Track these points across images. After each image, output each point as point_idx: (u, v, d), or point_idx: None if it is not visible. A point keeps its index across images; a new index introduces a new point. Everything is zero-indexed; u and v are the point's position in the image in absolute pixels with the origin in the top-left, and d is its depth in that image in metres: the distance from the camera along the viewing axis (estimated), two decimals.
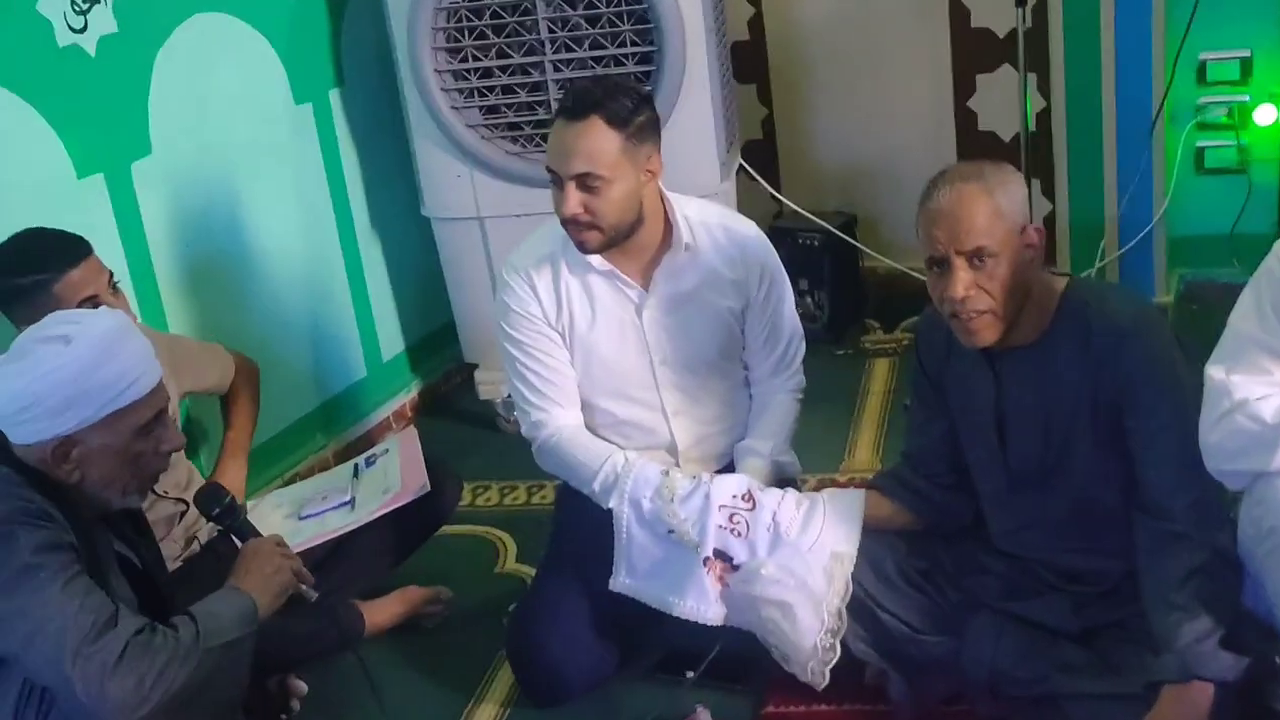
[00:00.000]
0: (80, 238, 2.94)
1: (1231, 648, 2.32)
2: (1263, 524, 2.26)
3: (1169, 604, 2.37)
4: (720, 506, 2.83)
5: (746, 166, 4.60)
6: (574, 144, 2.81)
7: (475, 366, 4.55)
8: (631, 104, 2.84)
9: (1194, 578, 2.36)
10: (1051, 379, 2.56)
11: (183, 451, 2.96)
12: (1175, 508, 2.43)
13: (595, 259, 2.97)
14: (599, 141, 2.80)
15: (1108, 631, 2.58)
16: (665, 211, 3.00)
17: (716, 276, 3.03)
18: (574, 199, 2.83)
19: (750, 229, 3.10)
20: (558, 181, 2.86)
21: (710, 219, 3.06)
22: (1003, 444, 2.67)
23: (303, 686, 3.07)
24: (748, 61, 5.04)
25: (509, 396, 4.35)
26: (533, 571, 3.58)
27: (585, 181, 2.82)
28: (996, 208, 2.45)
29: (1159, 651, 2.37)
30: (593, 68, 3.95)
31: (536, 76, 4.01)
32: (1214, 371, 2.32)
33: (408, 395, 4.76)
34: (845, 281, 4.86)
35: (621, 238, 2.92)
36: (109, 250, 3.29)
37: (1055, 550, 2.67)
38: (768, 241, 3.12)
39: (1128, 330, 2.46)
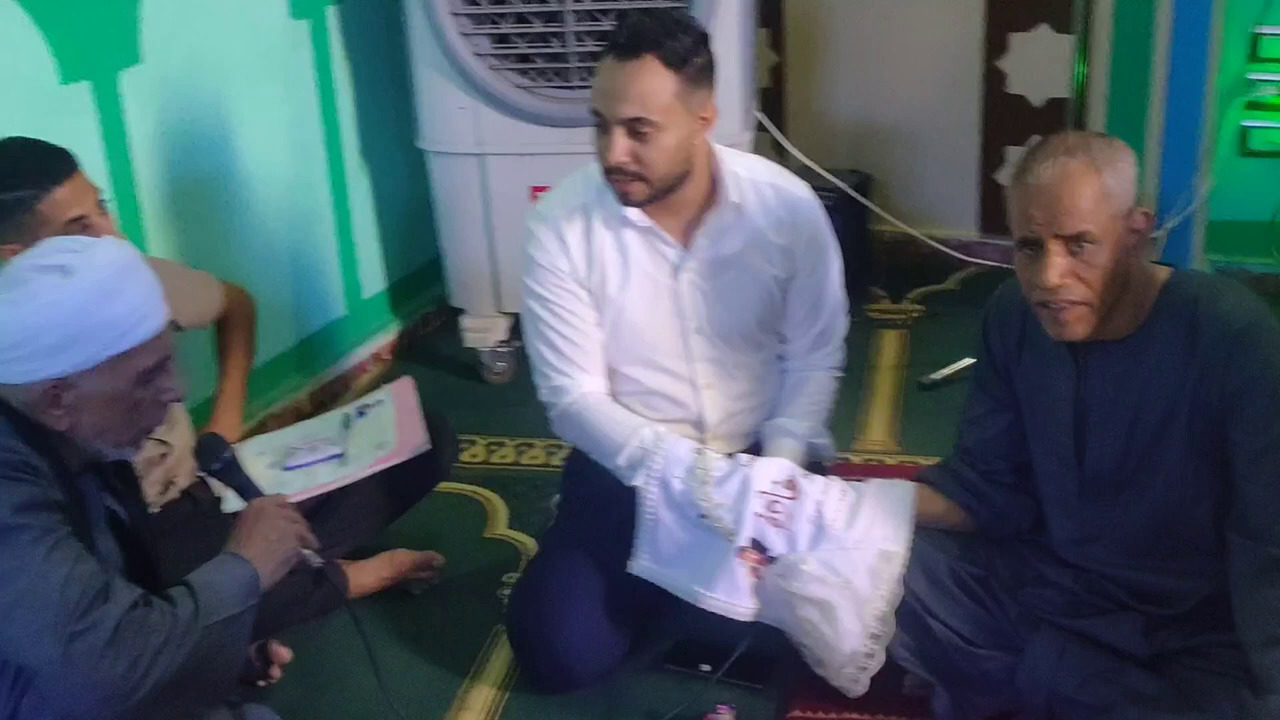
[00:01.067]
0: (64, 150, 2.68)
1: None
2: None
3: (1271, 639, 2.16)
4: (760, 493, 2.61)
5: (759, 115, 4.35)
6: (626, 85, 2.55)
7: (460, 311, 4.29)
8: (690, 42, 2.59)
9: None
10: (1144, 378, 2.32)
11: None
12: None
13: (634, 213, 2.72)
14: (653, 83, 2.55)
15: (1182, 659, 2.36)
16: (712, 165, 2.75)
17: (763, 241, 2.80)
18: (621, 146, 2.58)
19: (803, 190, 2.86)
20: (603, 125, 2.60)
21: (760, 177, 2.82)
22: (1078, 445, 2.43)
23: (286, 652, 2.83)
24: (763, 4, 4.75)
25: (496, 345, 4.18)
26: (525, 538, 3.40)
27: (635, 127, 2.57)
28: (1104, 188, 2.19)
29: (1256, 689, 2.16)
30: None
31: (554, 5, 3.76)
32: None
33: (387, 337, 4.52)
34: (854, 246, 4.59)
35: (667, 191, 2.67)
36: (92, 165, 3.00)
37: (1127, 565, 2.44)
38: (820, 205, 2.89)
39: (1243, 334, 2.22)
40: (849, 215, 4.58)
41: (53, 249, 2.08)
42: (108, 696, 1.88)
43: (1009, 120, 4.75)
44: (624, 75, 2.55)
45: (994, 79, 4.78)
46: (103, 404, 2.06)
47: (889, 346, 4.38)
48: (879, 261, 4.88)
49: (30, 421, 2.04)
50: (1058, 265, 2.21)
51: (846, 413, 3.88)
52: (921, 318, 4.57)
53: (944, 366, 4.02)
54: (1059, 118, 4.16)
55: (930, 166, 4.91)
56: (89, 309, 1.99)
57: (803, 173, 4.48)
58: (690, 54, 2.57)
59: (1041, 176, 2.21)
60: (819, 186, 4.40)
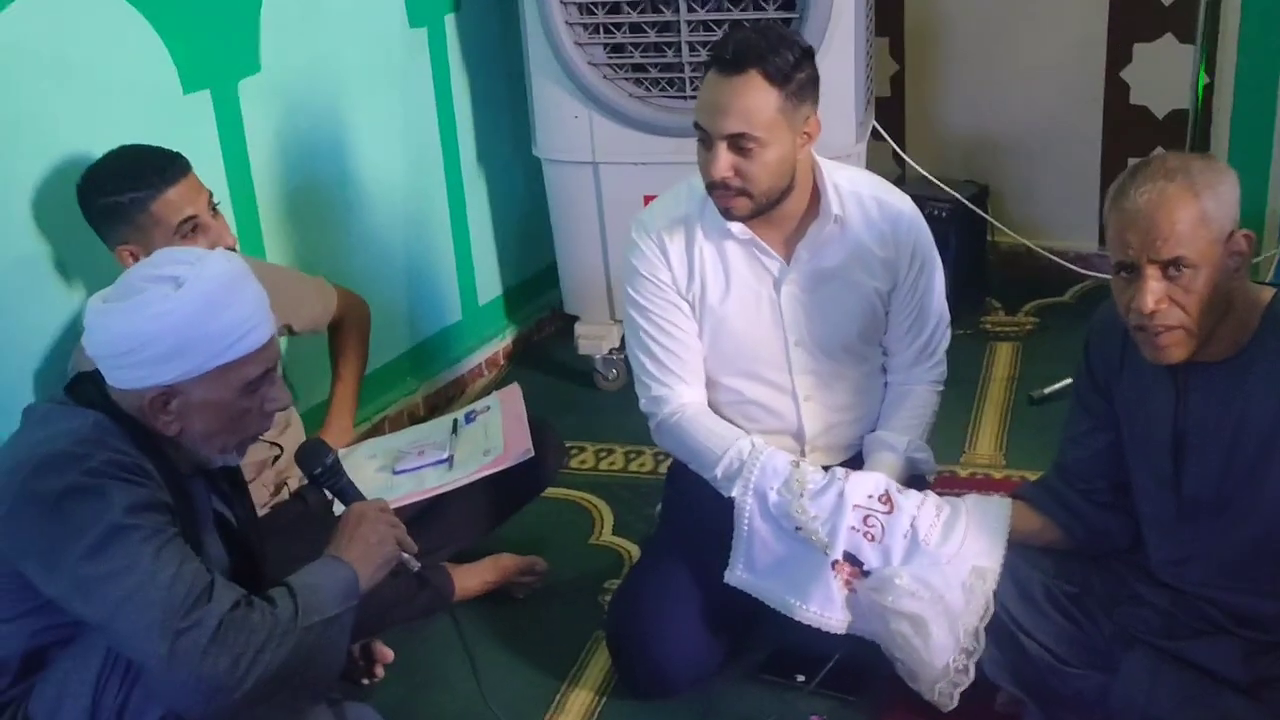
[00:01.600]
0: (178, 154, 2.78)
1: None
2: None
3: None
4: (855, 506, 2.62)
5: (876, 125, 4.34)
6: (729, 101, 2.57)
7: (575, 318, 4.33)
8: (794, 58, 2.59)
9: None
10: (1245, 400, 2.29)
11: None
12: None
13: (736, 226, 2.74)
14: (757, 99, 2.57)
15: None
16: (814, 178, 2.76)
17: (865, 253, 2.80)
18: (724, 161, 2.60)
19: (905, 203, 2.85)
20: (706, 140, 2.63)
21: (862, 189, 2.82)
22: (1177, 466, 2.40)
23: (388, 653, 2.91)
24: (883, 12, 4.73)
25: (609, 353, 4.22)
26: (630, 545, 3.43)
27: (738, 142, 2.58)
28: (1202, 213, 2.16)
29: None
30: (729, 10, 3.72)
31: (668, 15, 3.78)
32: None
33: (502, 342, 4.58)
34: (970, 257, 4.59)
35: (771, 205, 2.68)
36: (211, 171, 3.12)
37: (1225, 588, 2.41)
38: (922, 218, 2.88)
39: None
40: (964, 226, 4.55)
41: (167, 259, 2.15)
42: (211, 692, 1.94)
43: (1132, 132, 4.67)
44: (728, 91, 2.57)
45: (1117, 90, 4.71)
46: (209, 411, 2.14)
47: (1001, 359, 4.34)
48: (995, 273, 4.83)
49: (142, 426, 2.12)
50: (1153, 290, 2.18)
51: (957, 425, 3.88)
52: (1035, 330, 4.52)
53: (1055, 381, 3.98)
54: (1183, 130, 4.08)
55: (1050, 178, 4.85)
56: (197, 320, 2.06)
57: (919, 183, 4.49)
58: (794, 70, 2.58)
59: (1138, 201, 2.18)
60: (935, 197, 4.43)
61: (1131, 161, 4.60)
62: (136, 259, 2.63)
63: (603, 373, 4.29)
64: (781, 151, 2.61)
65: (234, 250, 2.73)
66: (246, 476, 2.84)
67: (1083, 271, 4.70)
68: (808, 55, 2.65)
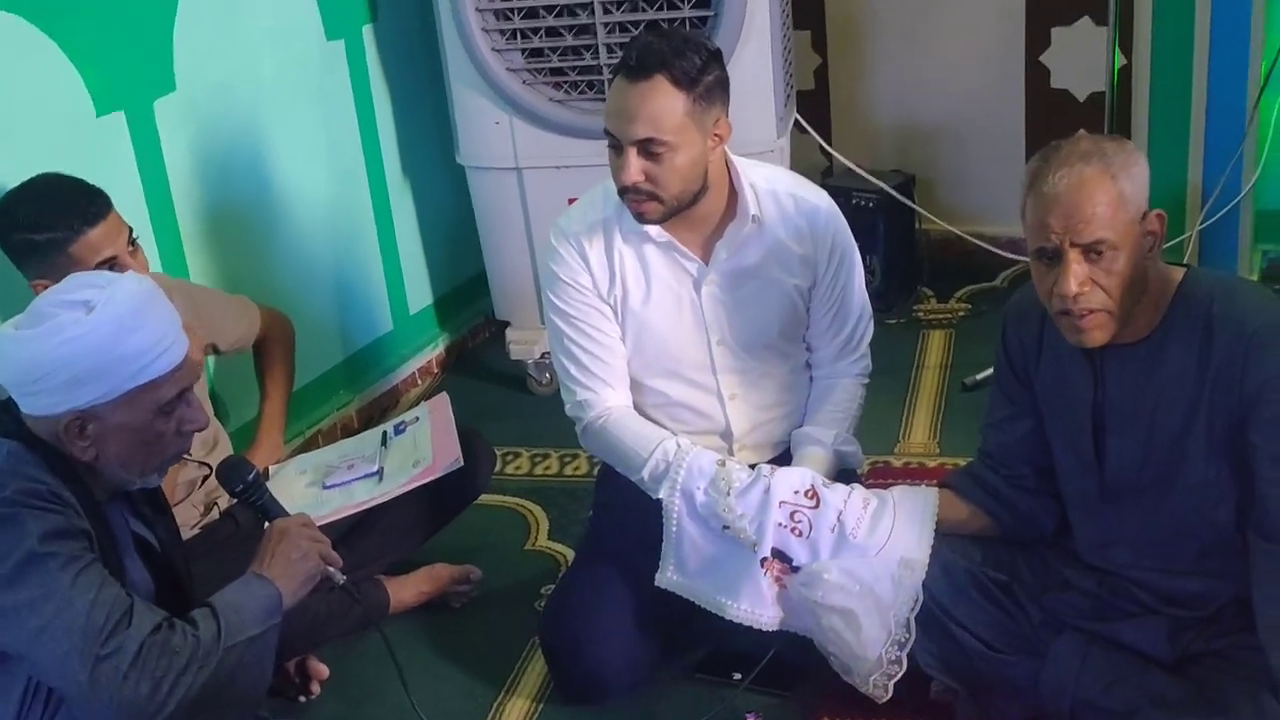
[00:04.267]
0: (100, 191, 2.74)
1: None
2: None
3: None
4: (781, 503, 2.62)
5: (800, 119, 4.35)
6: (636, 106, 2.57)
7: (506, 324, 4.33)
8: (700, 61, 2.59)
9: None
10: (1161, 381, 2.31)
11: (211, 411, 2.76)
12: None
13: (654, 229, 2.74)
14: (663, 104, 2.57)
15: (1206, 661, 2.35)
16: (730, 178, 2.77)
17: (783, 251, 2.81)
18: (634, 166, 2.60)
19: (821, 199, 2.86)
20: (616, 146, 2.63)
21: (779, 187, 2.82)
22: (1099, 449, 2.42)
23: (323, 669, 2.94)
24: (803, 5, 4.72)
25: (541, 357, 4.22)
26: (565, 550, 3.43)
27: (647, 147, 2.59)
28: (1120, 194, 2.17)
29: (1277, 693, 2.15)
30: (645, 10, 3.71)
31: (584, 19, 3.77)
32: None
33: (434, 350, 4.57)
34: (900, 246, 4.61)
35: (684, 208, 2.69)
36: (129, 194, 3.10)
37: (1151, 569, 2.42)
38: (839, 213, 2.88)
39: (1259, 335, 2.19)
40: (892, 216, 4.56)
41: (77, 284, 2.14)
42: (132, 717, 1.94)
43: (1054, 116, 4.70)
44: (635, 96, 2.57)
45: (1038, 74, 4.74)
46: (125, 435, 2.13)
47: (934, 347, 4.35)
48: (927, 261, 4.83)
49: (58, 453, 2.12)
50: (1077, 273, 2.19)
51: (891, 415, 3.89)
52: (968, 317, 4.54)
53: (988, 367, 3.97)
54: (1103, 111, 4.11)
55: (977, 164, 4.86)
56: (110, 344, 2.05)
57: (845, 175, 4.51)
58: (700, 73, 2.58)
59: (1057, 185, 2.19)
60: (861, 188, 4.45)
61: None
62: None
63: (535, 377, 4.29)
64: (692, 155, 2.61)
65: None
66: (176, 497, 2.86)
67: (1013, 256, 4.70)
68: (715, 58, 2.65)
